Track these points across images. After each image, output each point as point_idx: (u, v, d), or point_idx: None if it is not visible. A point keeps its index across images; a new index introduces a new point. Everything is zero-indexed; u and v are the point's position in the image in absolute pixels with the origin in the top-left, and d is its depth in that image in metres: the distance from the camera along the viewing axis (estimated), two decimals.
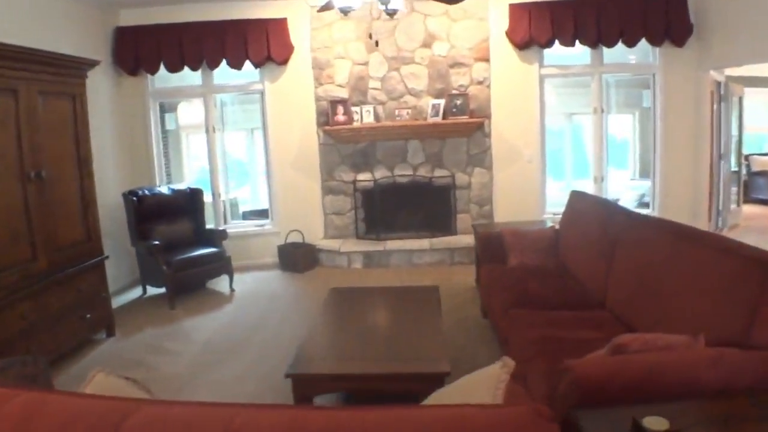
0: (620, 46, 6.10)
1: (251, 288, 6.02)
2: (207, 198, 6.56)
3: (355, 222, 6.76)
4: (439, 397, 1.78)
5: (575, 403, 1.98)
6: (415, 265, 6.37)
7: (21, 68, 3.75)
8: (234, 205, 8.19)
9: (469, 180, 6.55)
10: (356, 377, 2.72)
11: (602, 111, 6.52)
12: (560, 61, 6.55)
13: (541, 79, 6.44)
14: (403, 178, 6.62)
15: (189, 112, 8.51)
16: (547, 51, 6.38)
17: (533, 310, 3.35)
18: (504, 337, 3.36)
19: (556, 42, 6.12)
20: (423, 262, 6.38)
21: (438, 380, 2.55)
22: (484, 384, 1.69)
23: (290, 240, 6.69)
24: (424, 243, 6.39)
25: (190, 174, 8.42)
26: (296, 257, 6.55)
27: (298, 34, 6.42)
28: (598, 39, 6.04)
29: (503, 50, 6.28)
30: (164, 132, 8.76)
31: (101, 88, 6.05)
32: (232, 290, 5.92)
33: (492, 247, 4.56)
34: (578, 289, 3.74)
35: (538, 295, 3.59)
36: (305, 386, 2.78)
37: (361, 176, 6.66)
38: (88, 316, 4.43)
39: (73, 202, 4.40)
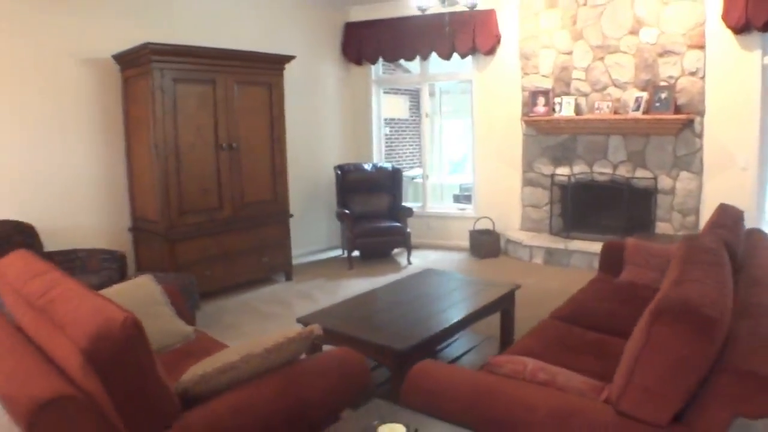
0: None
1: (425, 265, 6.48)
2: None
3: (550, 217, 6.62)
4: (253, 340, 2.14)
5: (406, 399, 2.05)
6: (595, 270, 5.95)
7: (218, 64, 4.96)
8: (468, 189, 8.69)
9: (674, 185, 5.76)
10: (342, 336, 3.08)
11: None
12: None
13: (765, 69, 5.23)
14: (602, 176, 6.19)
15: (447, 100, 9.27)
16: None
17: (570, 326, 3.05)
18: None
19: None
20: None
21: (390, 354, 2.78)
22: (281, 335, 2.02)
23: (481, 226, 6.93)
24: None
25: (441, 157, 9.20)
26: (481, 243, 6.77)
27: (506, 25, 6.52)
28: None
29: (720, 36, 5.29)
30: (413, 115, 9.76)
31: (331, 76, 7.24)
32: (409, 263, 6.50)
33: (613, 257, 4.14)
34: None
35: (594, 314, 3.20)
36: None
37: (560, 170, 6.47)
38: (265, 260, 5.57)
39: (264, 170, 5.54)
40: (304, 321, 3.30)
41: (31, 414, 1.47)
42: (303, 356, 2.25)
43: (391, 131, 9.42)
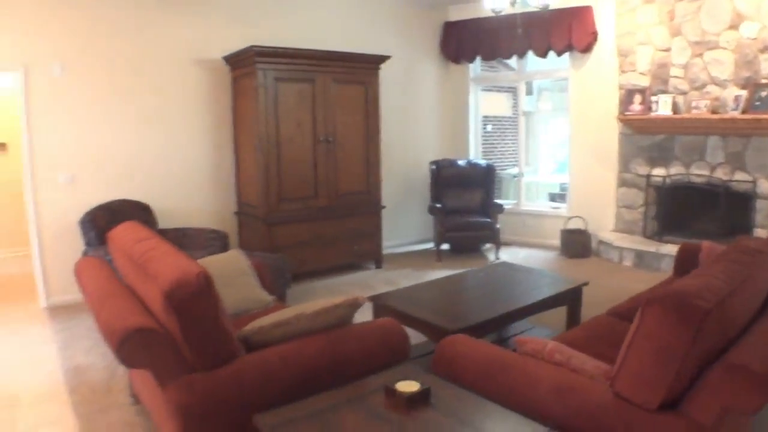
0: None
1: (512, 261, 6.58)
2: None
3: (644, 219, 6.47)
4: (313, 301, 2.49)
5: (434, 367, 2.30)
6: None
7: (318, 64, 5.41)
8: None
9: None
10: (404, 315, 3.35)
11: None
12: None
13: None
14: (699, 178, 5.97)
15: (545, 97, 9.28)
16: None
17: (622, 321, 3.10)
18: None
19: None
20: None
21: (441, 334, 3.02)
22: (331, 300, 2.36)
23: (573, 226, 6.90)
24: None
25: (541, 155, 9.21)
26: (572, 243, 6.75)
27: (603, 21, 6.46)
28: None
29: None
30: (516, 113, 9.80)
31: (430, 74, 7.50)
32: (497, 259, 6.63)
33: (688, 260, 4.04)
34: None
35: None
36: (378, 310, 3.57)
37: (656, 171, 6.31)
38: (356, 248, 5.96)
39: (358, 163, 5.93)
40: (375, 299, 3.62)
41: (121, 338, 1.89)
42: None
43: (493, 129, 9.53)
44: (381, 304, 3.56)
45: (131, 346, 1.91)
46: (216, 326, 2.03)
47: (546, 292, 3.70)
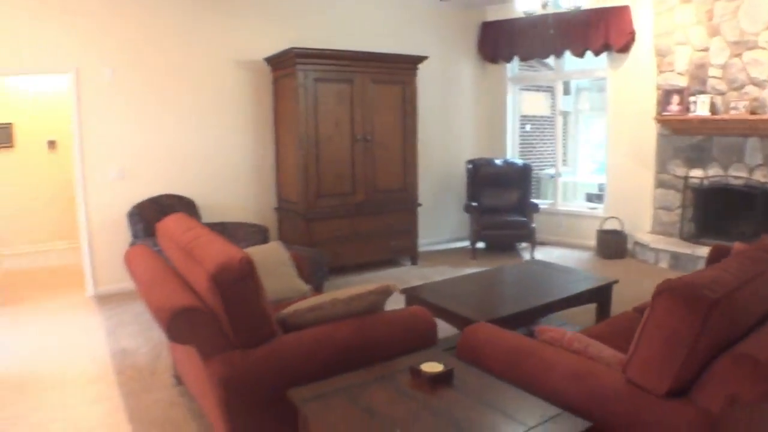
0: None
1: (546, 260, 6.60)
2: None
3: (681, 220, 6.41)
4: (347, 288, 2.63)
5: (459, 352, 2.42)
6: None
7: (356, 65, 5.57)
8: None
9: None
10: (431, 305, 3.45)
11: None
12: None
13: None
14: (737, 180, 5.89)
15: (584, 97, 9.24)
16: None
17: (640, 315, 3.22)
18: None
19: None
20: None
21: (462, 321, 3.14)
22: (364, 287, 2.50)
23: (609, 227, 6.88)
24: None
25: (584, 155, 9.18)
26: (607, 243, 6.73)
27: (641, 21, 6.43)
28: None
29: None
30: (553, 113, 9.75)
31: (467, 74, 7.58)
32: (532, 258, 6.67)
33: (719, 258, 4.07)
34: None
35: None
36: (411, 301, 3.69)
37: (694, 172, 6.25)
38: (393, 244, 6.09)
39: (396, 161, 6.05)
40: (407, 291, 3.75)
41: (170, 316, 2.07)
42: None
43: (532, 128, 9.52)
44: (413, 296, 3.69)
45: (179, 324, 2.08)
46: (256, 307, 2.19)
47: (575, 288, 3.77)
